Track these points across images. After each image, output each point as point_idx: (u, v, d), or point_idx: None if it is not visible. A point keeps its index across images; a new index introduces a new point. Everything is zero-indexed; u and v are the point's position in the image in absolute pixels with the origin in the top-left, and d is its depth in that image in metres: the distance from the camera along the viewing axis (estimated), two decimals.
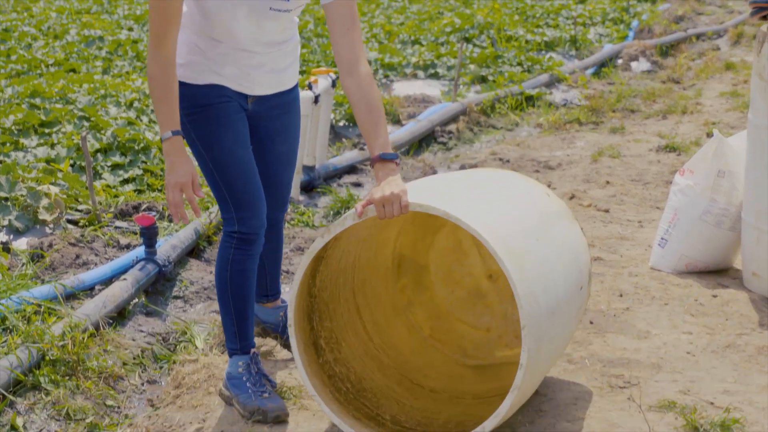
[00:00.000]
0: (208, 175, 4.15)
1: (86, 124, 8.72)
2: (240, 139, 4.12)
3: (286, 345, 4.72)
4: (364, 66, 3.92)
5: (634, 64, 13.89)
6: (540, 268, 3.69)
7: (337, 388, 3.99)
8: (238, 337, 4.25)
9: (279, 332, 4.72)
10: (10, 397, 4.32)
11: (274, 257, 4.65)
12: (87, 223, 6.50)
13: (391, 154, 3.75)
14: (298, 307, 3.86)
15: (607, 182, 7.70)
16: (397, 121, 10.18)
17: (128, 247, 6.21)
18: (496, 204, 3.90)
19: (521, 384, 3.50)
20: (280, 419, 4.08)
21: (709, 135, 8.85)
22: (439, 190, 3.88)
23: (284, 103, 4.30)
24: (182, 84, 4.03)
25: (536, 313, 3.54)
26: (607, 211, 6.96)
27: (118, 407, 4.53)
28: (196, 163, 4.16)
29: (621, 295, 5.37)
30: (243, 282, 4.21)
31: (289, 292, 5.09)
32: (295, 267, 6.13)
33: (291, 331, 3.83)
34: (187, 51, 4.04)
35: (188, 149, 4.06)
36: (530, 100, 11.21)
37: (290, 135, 4.39)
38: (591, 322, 4.99)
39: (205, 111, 4.05)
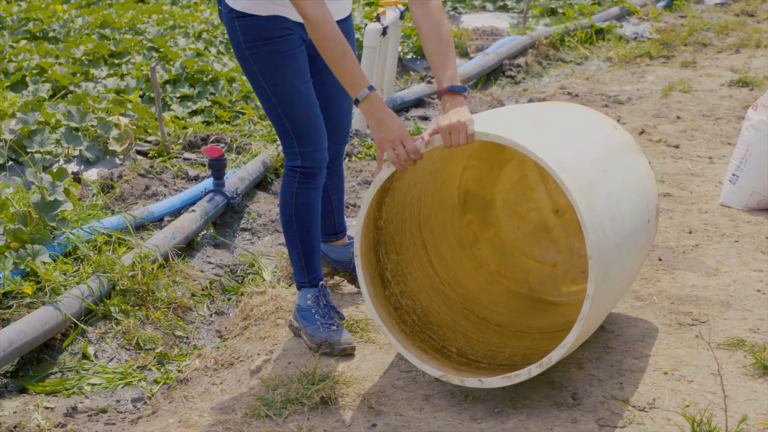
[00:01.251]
0: (270, 109, 4.13)
1: (155, 55, 8.77)
2: (301, 73, 4.10)
3: (354, 280, 4.73)
4: None
5: None
6: (607, 199, 3.66)
7: (403, 320, 4.00)
8: (305, 270, 4.27)
9: (351, 270, 4.72)
10: (82, 326, 4.39)
11: (338, 190, 4.65)
12: (156, 155, 6.55)
13: (459, 86, 3.72)
14: (364, 239, 3.86)
15: (678, 117, 7.60)
16: (465, 54, 10.10)
17: (197, 178, 6.25)
18: (562, 135, 3.87)
19: (588, 314, 3.49)
20: (347, 352, 4.11)
21: None
22: (505, 121, 3.84)
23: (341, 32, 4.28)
24: (245, 15, 4.01)
25: (603, 243, 3.52)
26: (677, 146, 6.88)
27: (187, 338, 4.59)
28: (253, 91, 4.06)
29: (690, 232, 5.32)
30: (307, 215, 4.22)
31: (355, 225, 5.10)
32: (362, 200, 6.13)
33: (357, 261, 3.84)
34: None
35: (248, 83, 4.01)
36: (600, 33, 11.06)
37: None
38: (660, 259, 4.95)
39: (268, 44, 4.03)
